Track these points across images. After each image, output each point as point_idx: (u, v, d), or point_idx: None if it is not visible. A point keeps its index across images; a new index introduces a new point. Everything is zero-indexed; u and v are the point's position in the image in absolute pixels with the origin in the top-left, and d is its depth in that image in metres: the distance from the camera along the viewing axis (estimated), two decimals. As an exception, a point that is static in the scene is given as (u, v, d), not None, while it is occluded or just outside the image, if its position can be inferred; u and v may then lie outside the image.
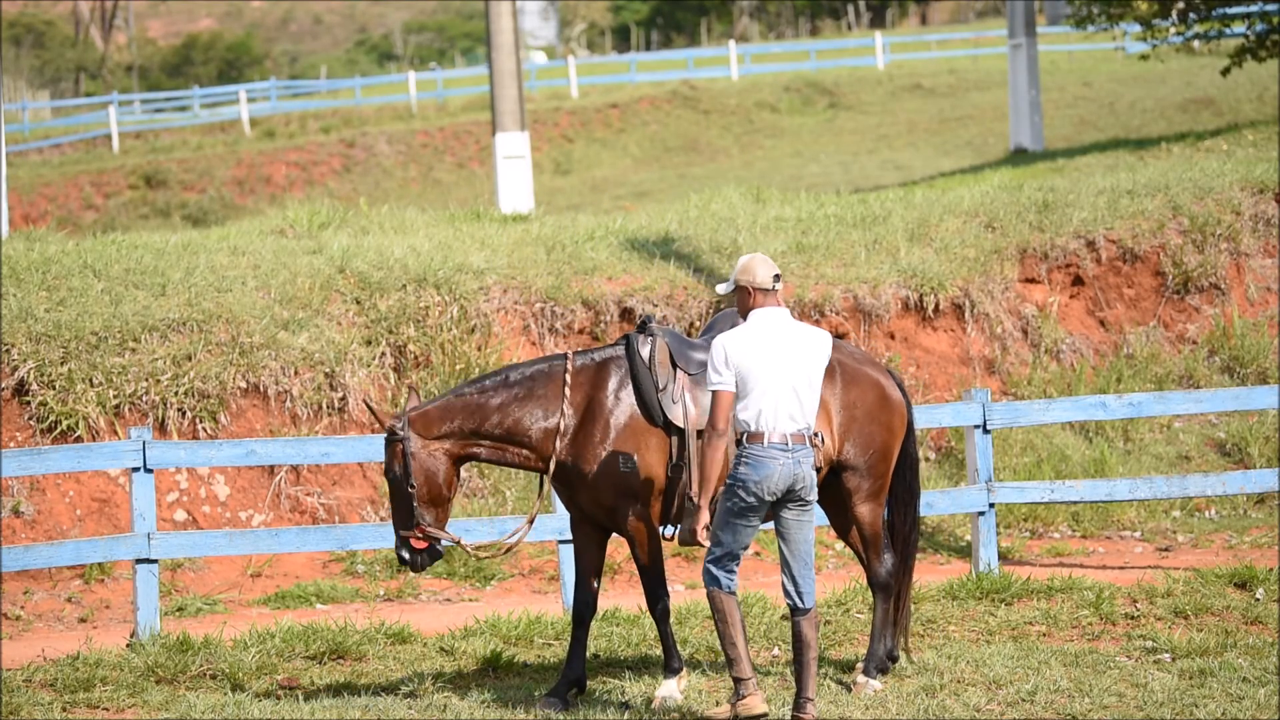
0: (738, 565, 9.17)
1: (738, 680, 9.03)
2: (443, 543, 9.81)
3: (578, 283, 16.44)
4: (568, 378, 9.82)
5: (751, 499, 8.96)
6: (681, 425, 9.62)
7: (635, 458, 9.64)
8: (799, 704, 9.06)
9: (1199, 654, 10.64)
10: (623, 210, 26.27)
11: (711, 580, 9.10)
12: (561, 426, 9.76)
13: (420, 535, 9.72)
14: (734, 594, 9.07)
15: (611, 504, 9.71)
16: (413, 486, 9.69)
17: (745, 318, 9.18)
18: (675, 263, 16.98)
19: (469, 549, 10.28)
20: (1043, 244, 17.93)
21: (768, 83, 51.08)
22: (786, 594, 9.12)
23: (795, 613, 9.08)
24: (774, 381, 8.96)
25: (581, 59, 65.42)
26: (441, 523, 9.80)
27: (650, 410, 9.67)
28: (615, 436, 9.68)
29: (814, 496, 9.10)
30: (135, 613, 11.80)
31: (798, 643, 9.07)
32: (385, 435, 9.85)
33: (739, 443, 9.03)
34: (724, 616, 9.03)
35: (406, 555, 9.76)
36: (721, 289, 9.35)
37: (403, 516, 9.75)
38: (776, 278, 9.13)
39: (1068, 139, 37.63)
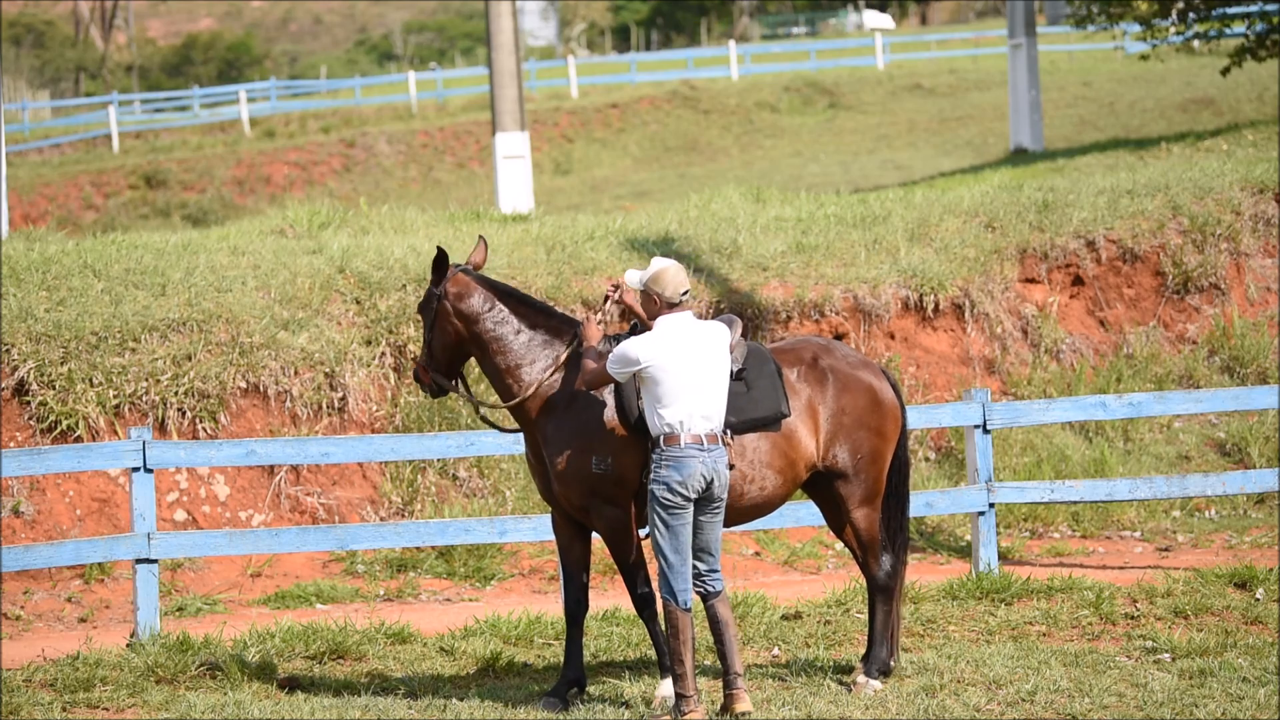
0: (690, 575, 9.28)
1: (680, 696, 9.21)
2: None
3: (578, 283, 16.44)
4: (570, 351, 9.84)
5: (678, 498, 9.17)
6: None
7: (610, 459, 9.63)
8: (728, 681, 9.28)
9: (1199, 654, 10.64)
10: (623, 210, 26.28)
11: (668, 592, 9.25)
12: (542, 387, 9.78)
13: (425, 373, 10.04)
14: (689, 610, 9.22)
15: (582, 503, 9.71)
16: (432, 341, 9.93)
17: (651, 320, 9.38)
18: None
19: (463, 395, 10.23)
20: (1043, 244, 17.93)
21: (768, 83, 51.09)
22: (696, 583, 9.30)
23: (708, 597, 9.30)
24: (686, 384, 9.19)
25: (581, 59, 65.45)
26: (448, 376, 10.00)
27: (627, 415, 9.65)
28: (592, 434, 9.67)
29: (725, 495, 9.30)
30: (135, 613, 11.81)
31: (716, 624, 9.30)
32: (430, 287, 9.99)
33: (655, 446, 9.23)
34: (677, 632, 9.21)
35: (415, 376, 10.17)
36: (631, 279, 9.43)
37: (423, 351, 10.06)
38: (685, 293, 9.34)
39: (1068, 139, 37.64)
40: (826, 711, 9.51)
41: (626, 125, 48.20)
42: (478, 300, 9.88)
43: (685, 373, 9.19)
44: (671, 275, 9.33)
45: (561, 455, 9.68)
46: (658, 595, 9.53)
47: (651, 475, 9.24)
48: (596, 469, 9.61)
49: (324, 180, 45.47)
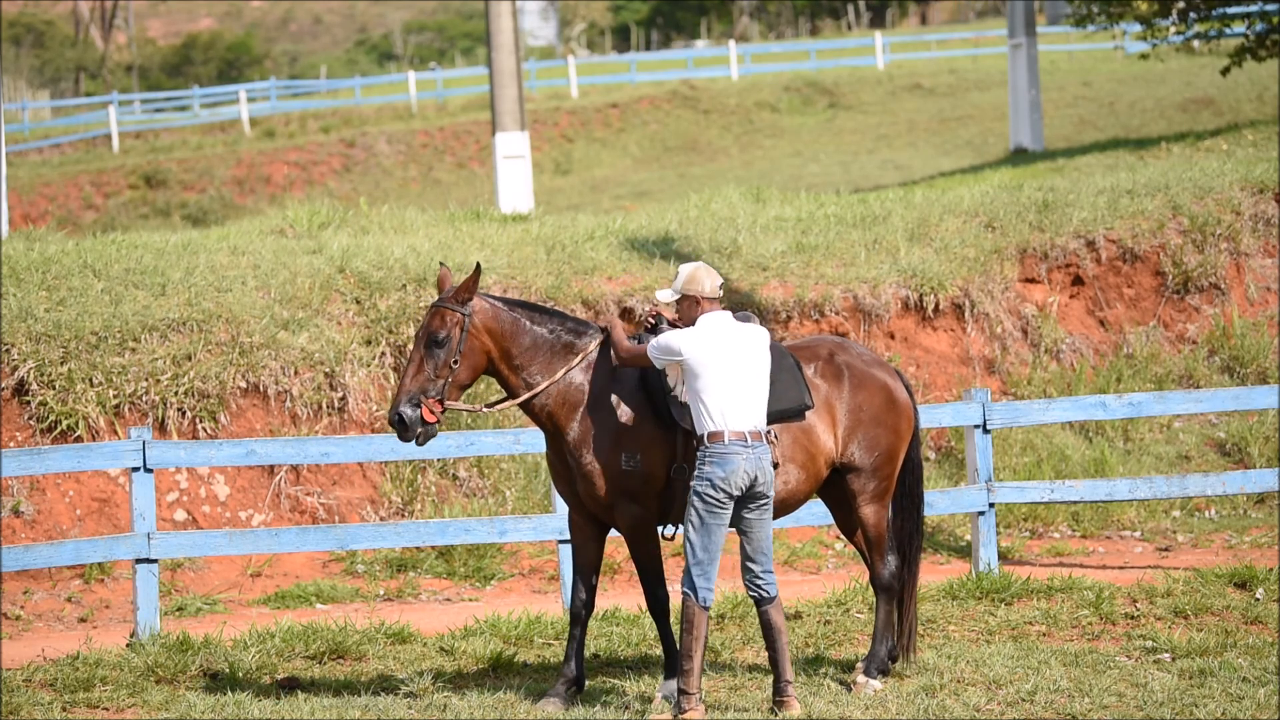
0: (715, 574, 9.33)
1: (683, 692, 9.31)
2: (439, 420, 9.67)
3: (578, 282, 16.44)
4: (593, 350, 9.84)
5: (721, 494, 9.23)
6: (688, 428, 9.62)
7: (639, 456, 9.66)
8: (779, 688, 9.40)
9: (1199, 654, 10.65)
10: (623, 210, 26.28)
11: (690, 587, 9.31)
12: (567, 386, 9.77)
13: (433, 409, 9.60)
14: (707, 608, 9.28)
15: (609, 500, 9.73)
16: (455, 363, 9.66)
17: (691, 324, 9.46)
18: (675, 262, 16.98)
19: (483, 409, 9.89)
20: (1043, 244, 17.93)
21: (768, 83, 51.07)
22: (751, 586, 9.40)
23: (762, 603, 9.40)
24: (728, 382, 9.29)
25: (581, 59, 65.45)
26: (454, 400, 9.75)
27: (658, 411, 9.68)
28: (621, 432, 9.69)
29: (772, 492, 9.37)
30: (135, 613, 11.81)
31: (769, 630, 9.39)
32: (447, 300, 9.67)
33: (699, 444, 9.30)
34: (691, 628, 9.29)
35: (409, 413, 9.54)
36: (663, 296, 9.59)
37: (425, 383, 9.61)
38: (720, 286, 9.52)
39: (1068, 139, 37.63)
40: (826, 711, 9.52)
41: (626, 125, 48.20)
42: (506, 316, 9.85)
43: (726, 369, 9.29)
44: (704, 273, 9.51)
45: (590, 453, 9.70)
46: (679, 589, 9.53)
47: (695, 472, 9.30)
48: (626, 466, 9.65)
49: (324, 180, 45.46)
